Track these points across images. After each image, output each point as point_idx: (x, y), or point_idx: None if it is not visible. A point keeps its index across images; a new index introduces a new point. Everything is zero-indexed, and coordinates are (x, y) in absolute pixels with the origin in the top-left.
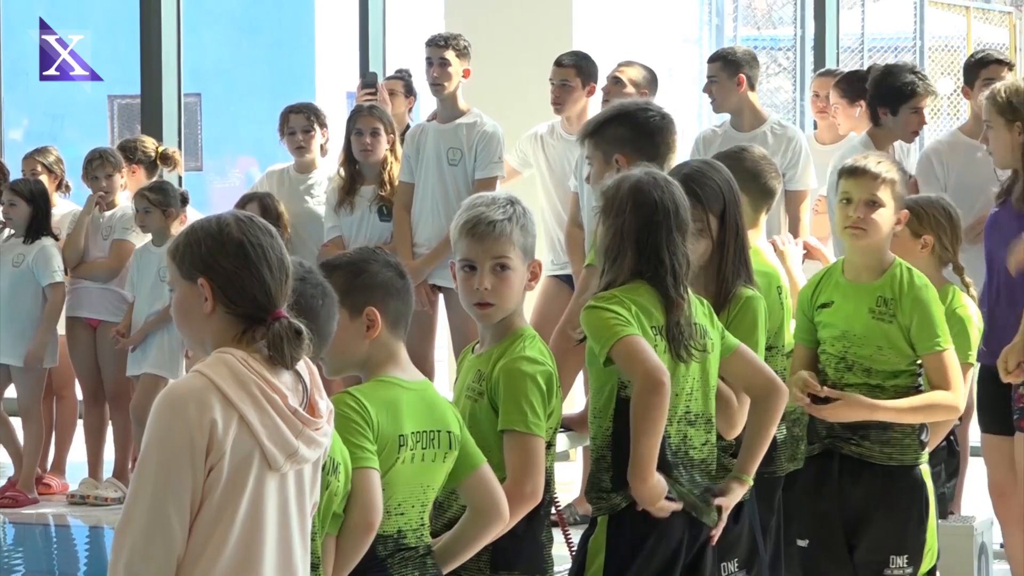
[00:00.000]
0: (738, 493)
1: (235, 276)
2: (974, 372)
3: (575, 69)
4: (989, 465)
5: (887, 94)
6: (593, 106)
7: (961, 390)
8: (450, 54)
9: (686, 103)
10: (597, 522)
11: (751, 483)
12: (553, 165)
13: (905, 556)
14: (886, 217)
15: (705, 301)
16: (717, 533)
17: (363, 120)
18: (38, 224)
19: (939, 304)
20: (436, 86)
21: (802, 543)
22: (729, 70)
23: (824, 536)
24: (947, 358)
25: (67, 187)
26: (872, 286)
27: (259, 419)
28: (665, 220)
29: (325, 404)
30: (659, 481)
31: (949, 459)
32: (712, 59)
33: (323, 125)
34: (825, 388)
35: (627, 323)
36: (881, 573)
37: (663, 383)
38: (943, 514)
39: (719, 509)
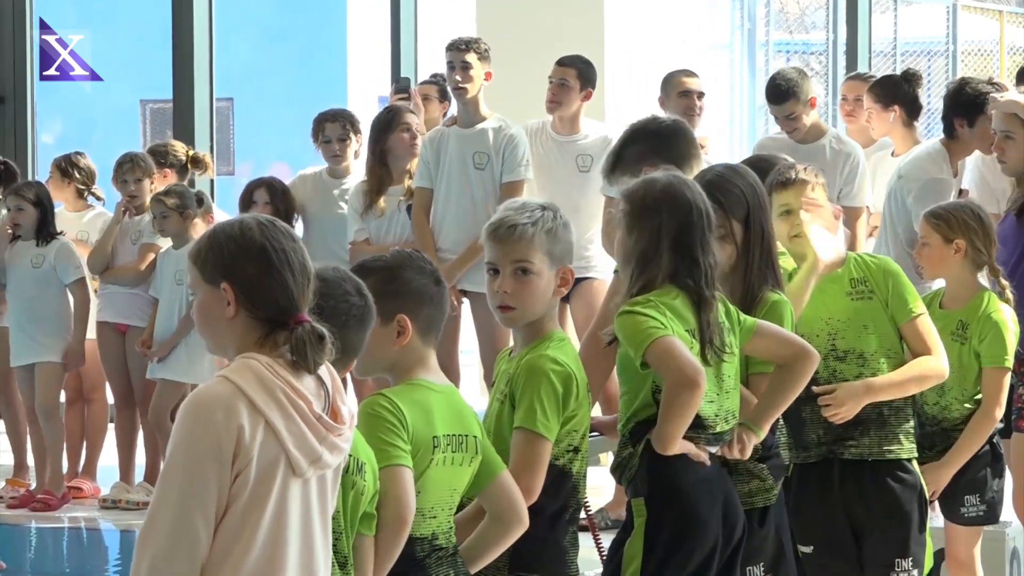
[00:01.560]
0: (748, 441)
1: (258, 281)
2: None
3: (575, 70)
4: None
5: (964, 105)
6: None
7: (943, 353)
8: (471, 57)
9: (717, 108)
10: (634, 525)
11: (762, 436)
12: (540, 162)
13: (910, 559)
14: (828, 216)
15: (723, 297)
16: (736, 454)
17: (408, 116)
18: (48, 226)
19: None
20: (459, 90)
21: (806, 549)
22: (803, 98)
23: (834, 542)
24: (922, 323)
25: (98, 197)
26: (838, 274)
27: (285, 425)
28: (699, 220)
29: (347, 410)
30: (682, 445)
31: (994, 463)
32: (778, 100)
33: (358, 132)
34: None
35: (662, 326)
36: None
37: (699, 383)
38: (994, 519)
39: (726, 458)
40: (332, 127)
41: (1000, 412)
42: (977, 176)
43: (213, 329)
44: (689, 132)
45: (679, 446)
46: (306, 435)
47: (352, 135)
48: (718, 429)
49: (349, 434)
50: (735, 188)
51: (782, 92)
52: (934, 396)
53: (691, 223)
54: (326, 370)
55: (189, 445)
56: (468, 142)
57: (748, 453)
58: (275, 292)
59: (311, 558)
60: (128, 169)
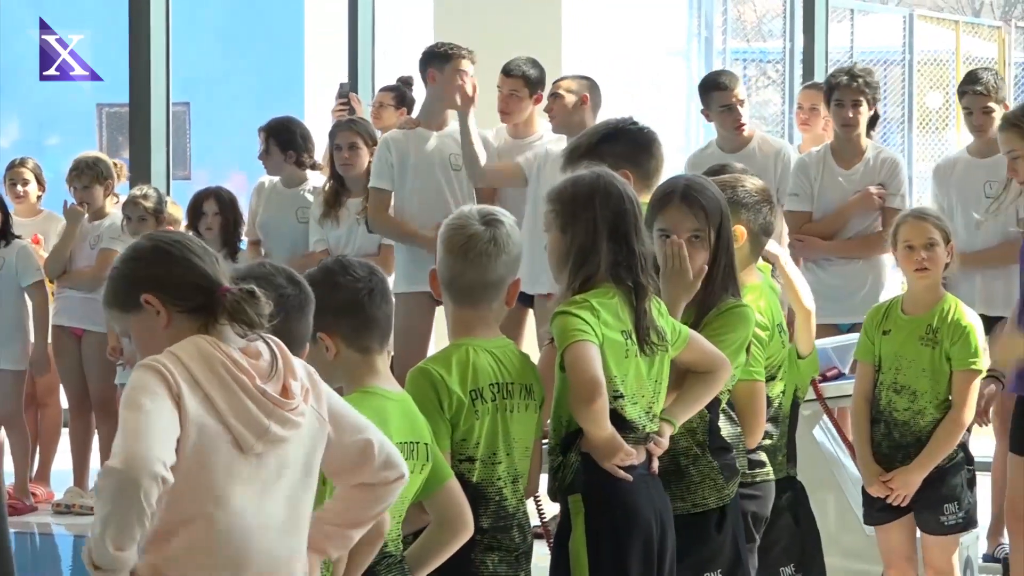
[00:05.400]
0: (665, 433)
1: (169, 276)
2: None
3: (523, 80)
4: (1013, 487)
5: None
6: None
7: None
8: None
9: (673, 116)
10: (571, 524)
11: (676, 429)
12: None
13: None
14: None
15: (660, 300)
16: (655, 464)
17: (341, 135)
18: (6, 228)
19: (976, 331)
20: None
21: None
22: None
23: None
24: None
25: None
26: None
27: (225, 399)
28: (632, 208)
29: (299, 385)
30: (615, 434)
31: (968, 470)
32: (724, 87)
33: (298, 145)
34: None
35: (586, 331)
36: None
37: (593, 400)
38: (972, 525)
39: (649, 455)
40: (273, 144)
41: (970, 416)
42: (932, 184)
43: (158, 345)
44: (659, 143)
45: (613, 451)
46: (249, 408)
47: (291, 150)
48: (646, 430)
49: (304, 407)
50: (713, 197)
51: (724, 81)
52: (905, 403)
53: (625, 211)
54: (276, 349)
55: (144, 386)
56: (446, 143)
57: (665, 445)
58: (191, 277)
59: (271, 539)
60: (75, 176)
